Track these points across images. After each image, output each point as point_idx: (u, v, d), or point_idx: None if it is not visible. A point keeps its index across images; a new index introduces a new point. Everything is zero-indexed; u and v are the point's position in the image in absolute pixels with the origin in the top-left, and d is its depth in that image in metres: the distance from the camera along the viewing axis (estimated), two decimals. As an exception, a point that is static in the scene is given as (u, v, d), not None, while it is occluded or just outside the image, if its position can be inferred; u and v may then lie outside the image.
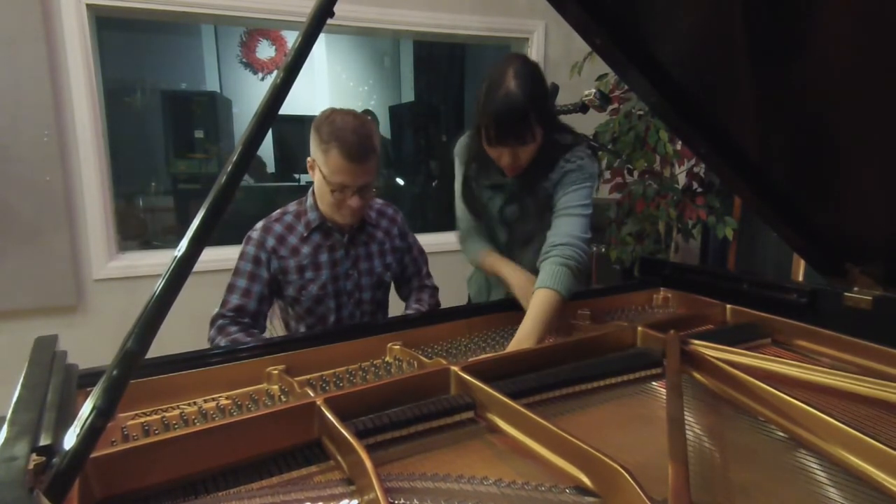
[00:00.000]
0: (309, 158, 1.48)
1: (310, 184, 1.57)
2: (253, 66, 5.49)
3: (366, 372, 1.11)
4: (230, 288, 1.49)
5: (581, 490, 0.70)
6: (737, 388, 0.96)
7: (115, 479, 0.70)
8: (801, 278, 2.55)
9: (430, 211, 5.36)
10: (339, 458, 0.77)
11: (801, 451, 0.81)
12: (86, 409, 0.59)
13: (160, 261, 2.81)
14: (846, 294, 1.23)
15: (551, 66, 3.34)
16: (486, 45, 4.13)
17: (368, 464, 0.67)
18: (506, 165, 1.41)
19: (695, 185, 2.80)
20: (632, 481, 0.64)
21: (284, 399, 0.99)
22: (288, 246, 1.53)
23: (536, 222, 1.49)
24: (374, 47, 6.04)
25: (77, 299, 2.63)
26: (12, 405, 0.71)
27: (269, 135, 4.10)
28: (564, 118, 1.56)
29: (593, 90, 1.64)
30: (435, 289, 1.81)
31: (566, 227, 1.37)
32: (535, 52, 3.35)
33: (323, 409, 0.82)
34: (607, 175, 2.81)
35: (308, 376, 1.09)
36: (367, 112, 5.27)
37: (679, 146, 2.63)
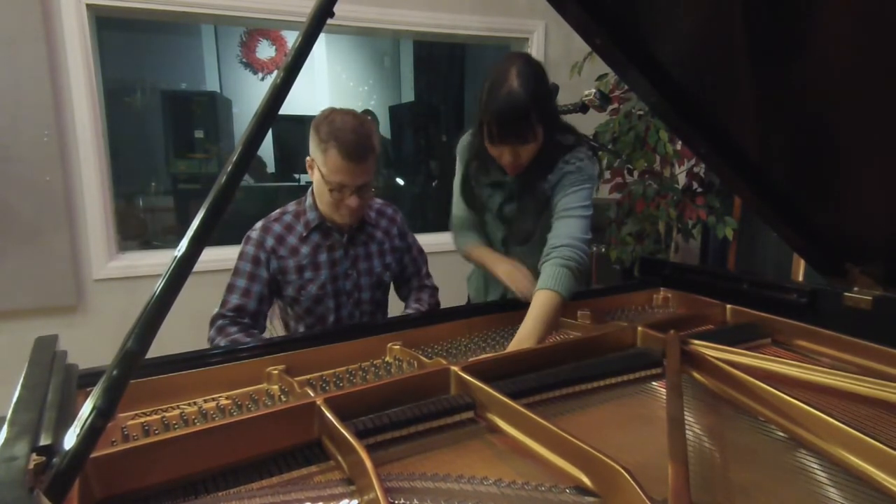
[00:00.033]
0: (308, 158, 1.48)
1: (310, 184, 1.57)
2: (253, 66, 5.49)
3: (366, 372, 1.11)
4: (230, 288, 1.49)
5: (581, 490, 0.70)
6: (737, 388, 0.96)
7: (115, 479, 0.70)
8: (801, 278, 2.55)
9: (430, 211, 5.36)
10: (339, 458, 0.77)
11: (801, 451, 0.81)
12: (86, 409, 0.59)
13: (160, 261, 2.81)
14: (846, 294, 1.23)
15: (551, 66, 3.32)
16: (486, 45, 4.13)
17: (368, 464, 0.67)
18: (507, 164, 1.41)
19: (695, 185, 2.80)
20: (632, 481, 0.64)
21: (284, 399, 0.99)
22: (287, 246, 1.53)
23: (534, 221, 1.49)
24: (374, 47, 6.04)
25: (77, 299, 2.63)
26: (12, 405, 0.71)
27: (269, 135, 4.09)
28: (565, 118, 1.56)
29: (593, 90, 1.64)
30: (435, 289, 1.81)
31: (566, 229, 1.37)
32: (535, 52, 3.35)
33: (323, 409, 0.82)
34: (607, 175, 2.81)
35: (308, 376, 1.09)
36: (367, 112, 5.27)
37: (679, 146, 2.63)
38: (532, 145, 1.38)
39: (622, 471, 0.65)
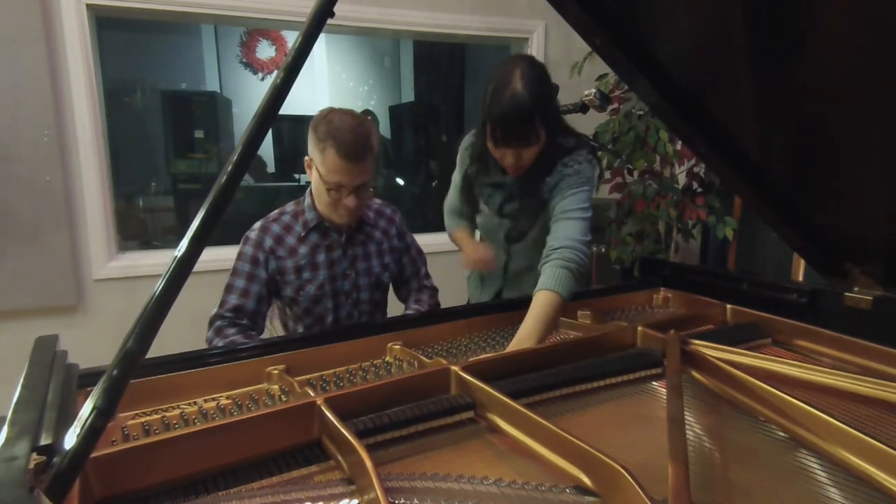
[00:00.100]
0: (306, 157, 1.48)
1: (309, 184, 1.57)
2: (253, 66, 5.48)
3: (366, 372, 1.11)
4: (228, 288, 1.49)
5: (581, 490, 0.70)
6: (737, 388, 0.96)
7: (116, 479, 0.70)
8: (801, 278, 2.55)
9: (430, 211, 5.35)
10: (339, 457, 0.77)
11: (801, 451, 0.81)
12: (86, 409, 0.59)
13: (160, 261, 2.81)
14: (846, 294, 1.23)
15: (551, 66, 3.29)
16: (486, 45, 4.13)
17: (369, 463, 0.67)
18: (509, 166, 1.42)
19: (695, 185, 2.80)
20: (632, 481, 0.64)
21: (284, 399, 0.99)
22: (286, 246, 1.53)
23: (533, 220, 1.51)
24: (374, 47, 6.04)
25: (77, 299, 2.63)
26: (13, 405, 0.71)
27: (269, 135, 4.09)
28: (565, 119, 1.56)
29: (593, 90, 1.64)
30: (434, 289, 1.81)
31: (566, 231, 1.37)
32: (535, 52, 3.35)
33: (323, 408, 0.82)
34: (607, 175, 2.81)
35: (308, 376, 1.09)
36: (366, 112, 5.28)
37: (679, 146, 2.63)
38: (535, 148, 1.38)
39: (622, 471, 0.65)
